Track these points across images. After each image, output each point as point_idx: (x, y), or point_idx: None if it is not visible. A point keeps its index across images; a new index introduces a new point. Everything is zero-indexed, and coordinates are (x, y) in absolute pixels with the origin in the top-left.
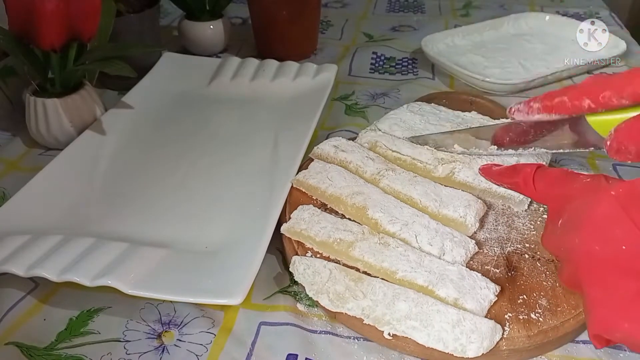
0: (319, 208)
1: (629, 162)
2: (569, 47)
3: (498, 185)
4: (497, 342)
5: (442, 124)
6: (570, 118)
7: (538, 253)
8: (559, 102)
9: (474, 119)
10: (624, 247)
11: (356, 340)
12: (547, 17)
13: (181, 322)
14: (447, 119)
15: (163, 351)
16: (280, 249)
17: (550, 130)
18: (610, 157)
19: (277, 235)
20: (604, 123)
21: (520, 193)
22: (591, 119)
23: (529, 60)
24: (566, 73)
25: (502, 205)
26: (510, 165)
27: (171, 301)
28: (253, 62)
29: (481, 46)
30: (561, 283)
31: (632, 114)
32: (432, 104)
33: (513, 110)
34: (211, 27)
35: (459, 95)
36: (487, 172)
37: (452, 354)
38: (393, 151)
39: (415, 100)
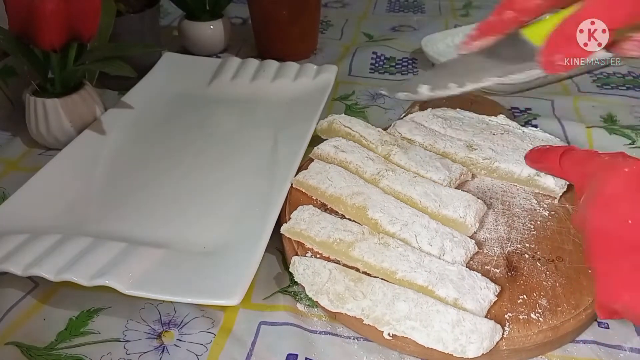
0: (319, 208)
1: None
2: None
3: (538, 170)
4: (497, 342)
5: (464, 129)
6: (507, 37)
7: (538, 253)
8: (488, 22)
9: (500, 124)
10: (629, 222)
11: (356, 340)
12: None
13: (181, 322)
14: (471, 124)
15: (163, 351)
16: (280, 249)
17: (495, 58)
18: (546, 71)
19: (277, 235)
20: (536, 32)
21: (552, 174)
22: (525, 31)
23: None
24: (566, 73)
25: (502, 205)
26: (543, 148)
27: (169, 301)
28: (253, 63)
29: None
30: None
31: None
32: (457, 109)
33: (459, 47)
34: (211, 27)
35: (458, 95)
36: (528, 159)
37: (452, 354)
38: (345, 126)
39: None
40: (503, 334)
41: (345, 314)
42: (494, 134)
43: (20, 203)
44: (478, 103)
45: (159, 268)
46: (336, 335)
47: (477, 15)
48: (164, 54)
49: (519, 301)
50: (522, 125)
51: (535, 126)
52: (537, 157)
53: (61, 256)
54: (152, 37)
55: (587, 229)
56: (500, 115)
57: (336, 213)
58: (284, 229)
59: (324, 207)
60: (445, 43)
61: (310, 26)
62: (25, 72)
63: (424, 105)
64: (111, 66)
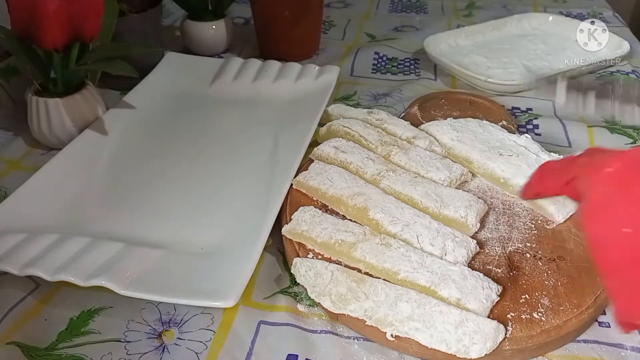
0: (320, 209)
1: None
2: (573, 48)
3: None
4: (500, 343)
5: (473, 145)
6: None
7: (539, 252)
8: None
9: (517, 144)
10: (627, 230)
11: (356, 340)
12: (551, 18)
13: (181, 320)
14: (483, 141)
15: (163, 351)
16: (281, 249)
17: None
18: None
19: (278, 235)
20: None
21: (547, 197)
22: None
23: (532, 61)
24: (569, 74)
25: (503, 204)
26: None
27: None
28: (255, 63)
29: (484, 46)
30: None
31: None
32: (484, 121)
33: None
34: (213, 27)
35: (458, 95)
36: (524, 194)
37: (455, 355)
38: (344, 127)
39: (415, 100)
40: (506, 334)
41: (348, 315)
42: (500, 154)
43: (20, 202)
44: (477, 103)
45: (155, 269)
46: (336, 334)
47: (479, 16)
48: (166, 54)
49: (521, 301)
50: (525, 128)
51: (537, 126)
52: (526, 190)
53: (58, 256)
54: (155, 37)
55: (586, 242)
56: (525, 135)
57: (337, 214)
58: (285, 230)
59: (324, 208)
60: (447, 43)
61: (313, 26)
62: (28, 72)
63: (422, 104)
64: (113, 66)
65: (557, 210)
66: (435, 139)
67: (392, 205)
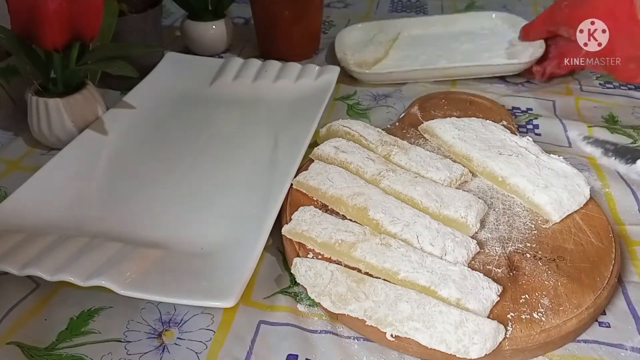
0: (320, 209)
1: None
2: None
3: None
4: (500, 343)
5: (473, 144)
6: None
7: (539, 252)
8: None
9: (518, 145)
10: None
11: (356, 340)
12: (494, 15)
13: (181, 320)
14: (484, 140)
15: (163, 350)
16: (281, 249)
17: None
18: None
19: (279, 235)
20: None
21: None
22: None
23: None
24: (461, 70)
25: (503, 204)
26: None
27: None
28: (255, 63)
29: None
30: None
31: None
32: (489, 120)
33: None
34: (214, 27)
35: (458, 95)
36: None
37: (455, 355)
38: (344, 126)
39: (415, 100)
40: (506, 334)
41: (348, 315)
42: (500, 154)
43: (20, 202)
44: (477, 103)
45: (155, 269)
46: (336, 334)
47: None
48: (166, 54)
49: (521, 301)
50: (525, 128)
51: (537, 126)
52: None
53: (58, 256)
54: (155, 37)
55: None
56: (527, 137)
57: (337, 214)
58: (285, 230)
59: (324, 208)
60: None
61: (313, 26)
62: (28, 72)
63: (422, 104)
64: (113, 66)
65: (554, 209)
66: (437, 136)
67: (392, 205)
